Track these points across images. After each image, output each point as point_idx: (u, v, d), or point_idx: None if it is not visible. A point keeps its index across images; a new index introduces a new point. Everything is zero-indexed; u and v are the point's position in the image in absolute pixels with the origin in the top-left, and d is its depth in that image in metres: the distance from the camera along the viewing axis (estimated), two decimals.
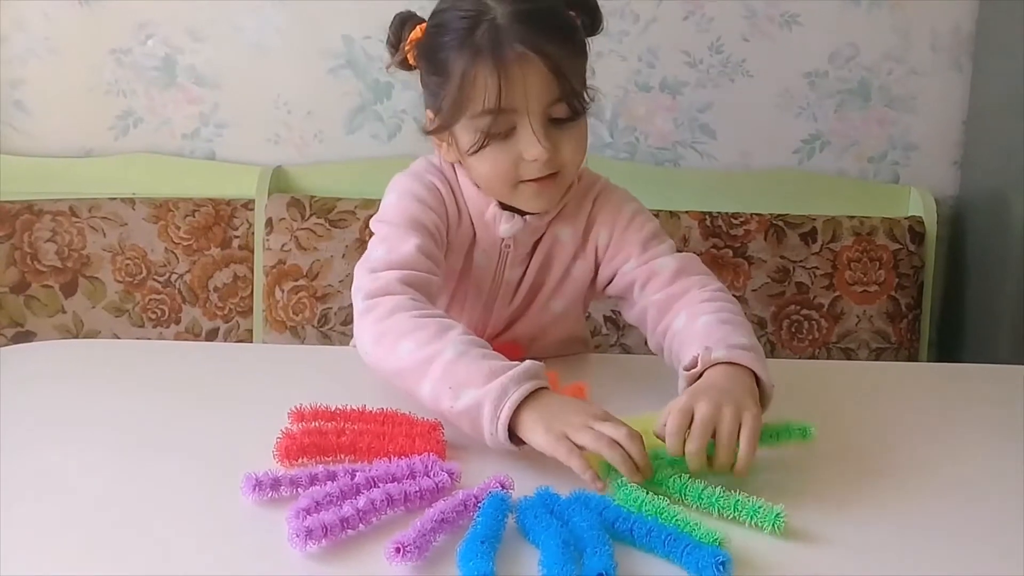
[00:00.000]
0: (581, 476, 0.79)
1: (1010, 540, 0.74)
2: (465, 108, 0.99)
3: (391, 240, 1.02)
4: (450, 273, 1.09)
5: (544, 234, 1.10)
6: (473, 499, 0.74)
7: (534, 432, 0.82)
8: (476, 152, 1.00)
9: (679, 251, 1.10)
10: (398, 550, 0.66)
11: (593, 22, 1.05)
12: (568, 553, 0.66)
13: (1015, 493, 0.82)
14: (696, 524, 0.70)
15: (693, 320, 0.99)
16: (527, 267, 1.11)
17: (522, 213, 1.06)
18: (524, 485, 0.76)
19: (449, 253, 1.08)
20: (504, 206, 1.06)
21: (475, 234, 1.09)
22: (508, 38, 0.97)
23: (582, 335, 1.22)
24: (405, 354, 0.91)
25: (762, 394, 0.90)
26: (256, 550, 0.70)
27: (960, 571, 0.70)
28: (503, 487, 0.76)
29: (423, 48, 1.04)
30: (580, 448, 0.80)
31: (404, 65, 1.07)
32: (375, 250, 1.03)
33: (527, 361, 0.88)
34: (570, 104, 1.00)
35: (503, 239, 1.07)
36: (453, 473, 0.78)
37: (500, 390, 0.84)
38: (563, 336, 1.17)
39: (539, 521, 0.71)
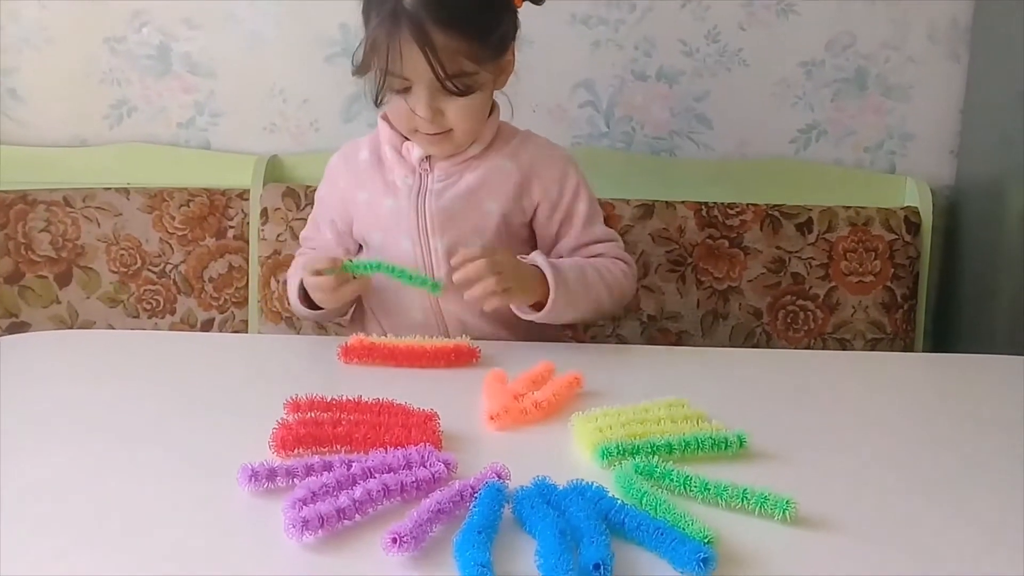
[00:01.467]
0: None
1: (1007, 530, 0.74)
2: (372, 62, 1.14)
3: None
4: (375, 197, 1.24)
5: (480, 161, 1.23)
6: (469, 489, 0.73)
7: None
8: (379, 99, 1.16)
9: (614, 240, 1.27)
10: (394, 540, 0.66)
11: None
12: (565, 543, 0.66)
13: (1011, 483, 0.82)
14: (691, 520, 0.69)
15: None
16: (459, 180, 1.22)
17: None
18: (520, 475, 0.76)
19: (368, 179, 1.25)
20: None
21: (389, 160, 1.24)
22: (405, 23, 1.09)
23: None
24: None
25: (542, 304, 1.15)
26: (252, 540, 0.70)
27: (958, 560, 0.70)
28: (499, 477, 0.76)
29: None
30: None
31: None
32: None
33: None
34: (446, 87, 1.12)
35: (419, 162, 1.22)
36: (449, 463, 0.78)
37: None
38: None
39: (536, 511, 0.71)
